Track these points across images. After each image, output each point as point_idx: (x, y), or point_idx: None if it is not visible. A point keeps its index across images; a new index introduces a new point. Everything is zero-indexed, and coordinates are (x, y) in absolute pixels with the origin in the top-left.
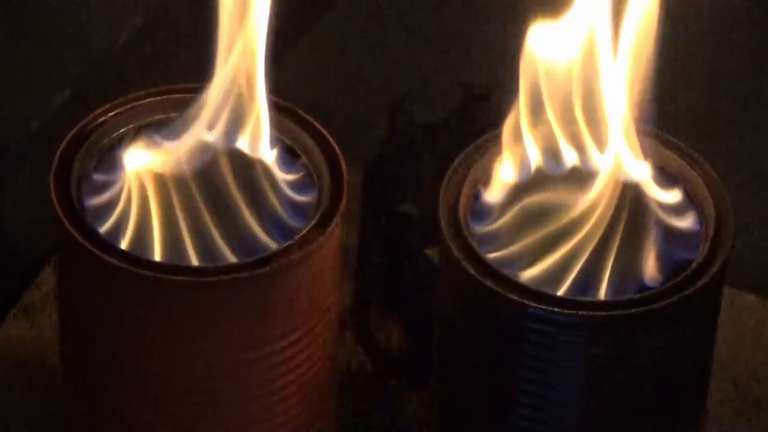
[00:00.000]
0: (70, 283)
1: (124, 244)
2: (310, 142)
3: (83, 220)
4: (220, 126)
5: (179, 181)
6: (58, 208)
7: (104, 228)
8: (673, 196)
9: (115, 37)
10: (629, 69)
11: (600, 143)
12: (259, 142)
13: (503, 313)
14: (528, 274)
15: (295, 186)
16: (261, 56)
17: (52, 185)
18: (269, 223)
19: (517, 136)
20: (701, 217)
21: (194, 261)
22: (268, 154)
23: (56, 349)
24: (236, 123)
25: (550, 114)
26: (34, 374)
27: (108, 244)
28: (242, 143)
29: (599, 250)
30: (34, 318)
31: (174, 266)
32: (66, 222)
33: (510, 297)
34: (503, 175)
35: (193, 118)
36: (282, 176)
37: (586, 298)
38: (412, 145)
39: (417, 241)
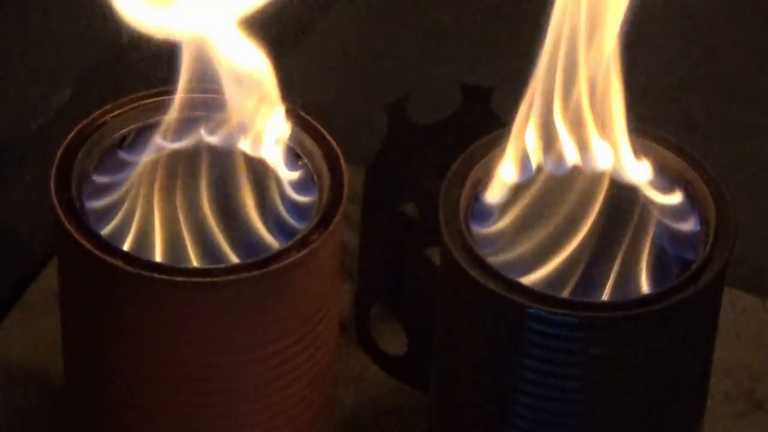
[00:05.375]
0: (71, 283)
1: (124, 245)
2: (310, 143)
3: (83, 221)
4: (226, 127)
5: (183, 180)
6: (58, 209)
7: (105, 228)
8: (674, 197)
9: (116, 37)
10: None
11: (602, 144)
12: (265, 144)
13: (503, 314)
14: (531, 278)
15: (296, 186)
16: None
17: (52, 185)
18: (270, 224)
19: (520, 136)
20: (701, 218)
21: (194, 261)
22: (272, 156)
23: (57, 350)
24: (243, 124)
25: (557, 113)
26: (35, 374)
27: (108, 244)
28: (246, 144)
29: (603, 252)
30: (35, 318)
31: (174, 267)
32: (66, 223)
33: (510, 298)
34: (504, 176)
35: (198, 119)
36: (283, 177)
37: (586, 300)
38: (412, 145)
39: (417, 242)
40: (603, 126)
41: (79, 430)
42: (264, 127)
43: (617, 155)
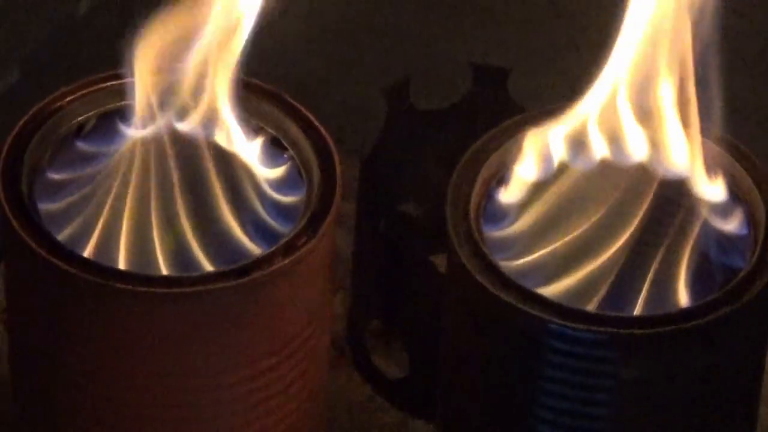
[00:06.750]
0: (21, 293)
1: (83, 250)
2: (297, 132)
3: (35, 221)
4: (196, 113)
5: (152, 175)
6: (6, 208)
7: (61, 230)
8: (718, 194)
9: (72, 9)
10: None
11: (635, 135)
12: (231, 131)
13: (520, 329)
14: (552, 289)
15: (281, 183)
16: (243, 32)
17: None
18: (250, 226)
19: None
20: (748, 219)
21: (165, 269)
22: (245, 146)
23: (4, 364)
24: (212, 110)
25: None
26: None
27: (63, 248)
28: (218, 133)
29: (635, 258)
30: None
31: (138, 275)
32: (16, 224)
33: (527, 311)
34: (522, 171)
35: (165, 104)
36: (265, 172)
37: (616, 314)
38: (414, 135)
39: (421, 247)
40: (643, 116)
41: None
42: (227, 113)
43: (654, 147)
